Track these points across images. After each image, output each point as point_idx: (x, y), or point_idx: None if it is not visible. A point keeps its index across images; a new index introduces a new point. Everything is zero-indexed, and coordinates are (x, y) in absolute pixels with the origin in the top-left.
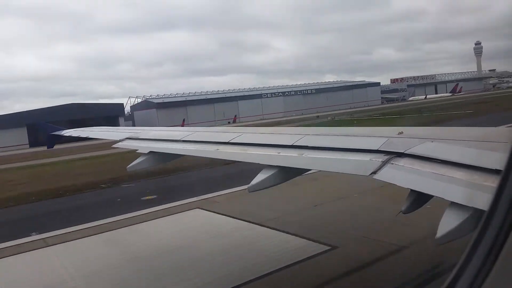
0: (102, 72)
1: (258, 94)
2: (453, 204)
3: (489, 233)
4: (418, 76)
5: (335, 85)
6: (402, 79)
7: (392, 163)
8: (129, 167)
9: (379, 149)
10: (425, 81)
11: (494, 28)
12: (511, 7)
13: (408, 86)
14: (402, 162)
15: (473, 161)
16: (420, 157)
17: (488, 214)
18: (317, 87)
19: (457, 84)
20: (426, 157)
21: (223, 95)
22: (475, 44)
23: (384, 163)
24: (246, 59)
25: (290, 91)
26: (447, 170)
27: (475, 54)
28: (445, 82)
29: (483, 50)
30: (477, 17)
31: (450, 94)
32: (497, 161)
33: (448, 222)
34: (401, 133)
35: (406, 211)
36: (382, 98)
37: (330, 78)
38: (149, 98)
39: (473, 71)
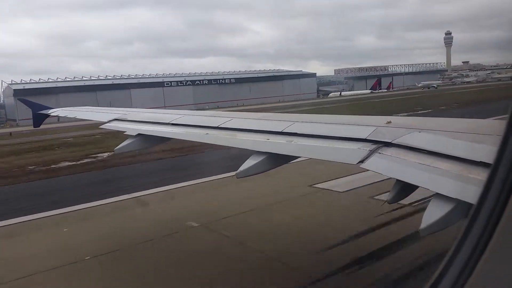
0: (69, 49)
1: (159, 82)
2: (438, 195)
3: (476, 227)
4: (370, 67)
5: (262, 75)
6: (348, 69)
7: (380, 153)
8: (117, 149)
9: (367, 138)
10: (377, 73)
11: (474, 19)
12: None
13: (346, 78)
14: (389, 151)
15: (460, 153)
16: (407, 147)
17: (475, 208)
18: (238, 76)
19: (378, 80)
20: (413, 147)
21: (111, 82)
22: (445, 34)
23: (371, 152)
24: (221, 41)
25: (203, 80)
26: (433, 161)
27: (445, 44)
28: (402, 74)
29: (453, 40)
30: (457, 7)
31: (369, 91)
32: (483, 153)
33: (432, 214)
34: (389, 122)
35: (391, 201)
36: (320, 90)
37: (315, 64)
38: (11, 84)
39: (441, 62)
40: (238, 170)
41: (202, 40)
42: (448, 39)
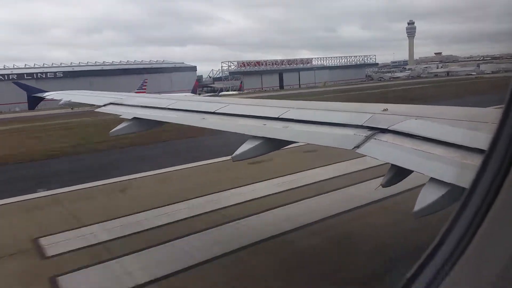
0: (36, 37)
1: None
2: (432, 180)
3: (469, 209)
4: (288, 60)
5: (119, 67)
6: (249, 63)
7: (375, 139)
8: (112, 132)
9: (363, 124)
10: (291, 67)
11: (459, 10)
12: None
13: (232, 73)
14: (385, 137)
15: (455, 139)
16: (402, 134)
17: (469, 191)
18: (81, 68)
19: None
20: (409, 133)
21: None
22: (408, 23)
23: (367, 138)
24: (193, 30)
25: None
26: (428, 147)
27: (407, 35)
28: (328, 68)
29: (415, 30)
30: None
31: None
32: (478, 140)
33: (426, 197)
34: (385, 109)
35: (386, 185)
36: (205, 87)
37: (305, 55)
38: None
39: (371, 55)
40: (234, 154)
41: (174, 29)
42: (411, 30)
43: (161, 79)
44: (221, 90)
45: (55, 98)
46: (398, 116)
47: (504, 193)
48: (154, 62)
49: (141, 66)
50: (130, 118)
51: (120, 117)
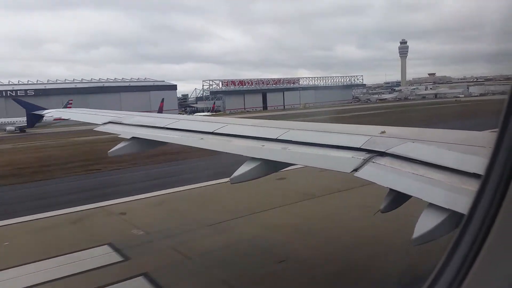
0: (32, 52)
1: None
2: (431, 206)
3: (468, 236)
4: (273, 79)
5: (91, 85)
6: (234, 81)
7: (373, 162)
8: (111, 152)
9: (361, 147)
10: (275, 87)
11: (454, 30)
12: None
13: (212, 93)
14: (383, 161)
15: (453, 164)
16: (400, 157)
17: (467, 217)
18: (53, 86)
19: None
20: (407, 157)
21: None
22: (400, 43)
23: (365, 161)
24: (192, 47)
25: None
26: (426, 171)
27: (399, 55)
28: (314, 89)
29: (408, 50)
30: (428, 17)
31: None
32: (476, 165)
33: (425, 223)
34: (383, 132)
35: (384, 210)
36: (187, 107)
37: (303, 73)
38: None
39: (359, 76)
40: (233, 176)
41: (171, 46)
42: (403, 49)
43: (138, 98)
44: (197, 111)
45: (54, 116)
46: (395, 139)
47: (502, 217)
48: (133, 80)
49: (117, 84)
50: (128, 137)
51: (119, 136)
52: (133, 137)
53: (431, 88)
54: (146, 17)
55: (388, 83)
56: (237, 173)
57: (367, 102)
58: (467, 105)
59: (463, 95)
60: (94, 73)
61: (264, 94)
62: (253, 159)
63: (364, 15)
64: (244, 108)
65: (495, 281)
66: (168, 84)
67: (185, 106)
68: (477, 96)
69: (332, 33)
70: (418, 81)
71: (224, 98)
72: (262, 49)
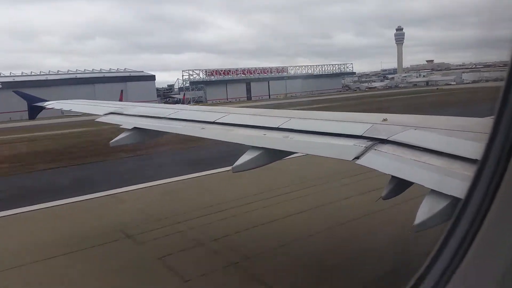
0: (28, 43)
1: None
2: (433, 192)
3: (463, 224)
4: (261, 68)
5: (62, 76)
6: (217, 71)
7: (375, 149)
8: (112, 142)
9: (363, 135)
10: (260, 76)
11: (452, 16)
12: None
13: (193, 83)
14: (385, 148)
15: (455, 150)
16: (402, 144)
17: (461, 206)
18: (21, 79)
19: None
20: (408, 144)
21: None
22: (396, 29)
23: (367, 149)
24: (189, 36)
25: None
26: (428, 158)
27: (396, 42)
28: (301, 77)
29: (404, 37)
30: (427, 4)
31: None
32: (477, 151)
33: (427, 210)
34: (385, 120)
35: (386, 197)
36: (168, 98)
37: (304, 62)
38: None
39: (348, 64)
40: (234, 165)
41: (167, 36)
42: (399, 36)
43: (113, 89)
44: (179, 101)
45: (55, 107)
46: (397, 127)
47: (499, 200)
48: (109, 71)
49: (91, 75)
50: (130, 128)
51: (121, 127)
52: (134, 128)
53: (424, 76)
54: (140, 8)
55: (385, 70)
56: (239, 162)
57: (355, 90)
58: (443, 95)
59: (455, 82)
60: (91, 63)
61: (248, 83)
62: (255, 148)
63: (361, 2)
64: (227, 98)
65: (488, 271)
66: (146, 74)
67: (168, 97)
68: (469, 83)
69: (329, 21)
70: (415, 68)
71: (205, 88)
72: (260, 38)
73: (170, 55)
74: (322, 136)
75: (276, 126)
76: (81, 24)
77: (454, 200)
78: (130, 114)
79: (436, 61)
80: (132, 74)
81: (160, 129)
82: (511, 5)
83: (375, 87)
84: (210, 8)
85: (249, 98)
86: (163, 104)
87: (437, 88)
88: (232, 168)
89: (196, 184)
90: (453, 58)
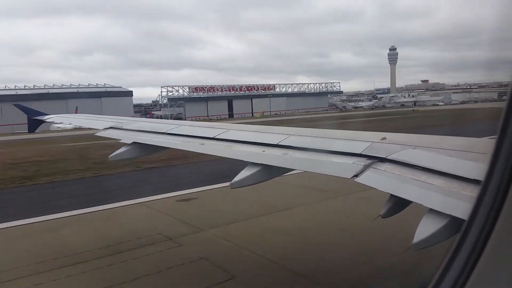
0: (24, 58)
1: None
2: (431, 211)
3: (469, 241)
4: (253, 85)
5: (35, 91)
6: (201, 87)
7: (374, 168)
8: (111, 156)
9: (362, 153)
10: (242, 93)
11: (450, 37)
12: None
13: (171, 100)
14: (384, 167)
15: (453, 170)
16: (401, 163)
17: (468, 222)
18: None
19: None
20: (407, 163)
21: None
22: (390, 49)
23: (366, 167)
24: (187, 53)
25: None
26: (427, 177)
27: (389, 61)
28: (286, 95)
29: (397, 57)
30: (421, 24)
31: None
32: (476, 171)
33: (425, 229)
34: (384, 138)
35: (385, 216)
36: (147, 115)
37: (302, 80)
38: None
39: (335, 82)
40: (233, 181)
41: (166, 52)
42: (393, 56)
43: (88, 105)
44: (159, 118)
45: (55, 121)
46: (396, 145)
47: (502, 222)
48: (82, 86)
49: (65, 90)
50: (129, 142)
51: (120, 141)
52: (134, 142)
53: (413, 96)
54: (137, 25)
55: (379, 89)
56: (238, 178)
57: (341, 110)
58: (411, 117)
59: (442, 103)
60: (91, 79)
61: (230, 101)
62: (254, 164)
63: (358, 23)
64: (207, 116)
65: (496, 283)
66: (123, 90)
67: (148, 113)
68: (456, 104)
69: (327, 40)
70: (410, 88)
71: (184, 105)
72: (258, 56)
73: (170, 71)
74: (321, 153)
75: (276, 143)
76: (79, 40)
77: (453, 219)
78: (130, 129)
79: (431, 81)
80: (108, 89)
81: (160, 144)
82: (507, 26)
83: (361, 107)
84: (207, 26)
85: (230, 116)
86: (163, 120)
87: (413, 110)
88: (230, 184)
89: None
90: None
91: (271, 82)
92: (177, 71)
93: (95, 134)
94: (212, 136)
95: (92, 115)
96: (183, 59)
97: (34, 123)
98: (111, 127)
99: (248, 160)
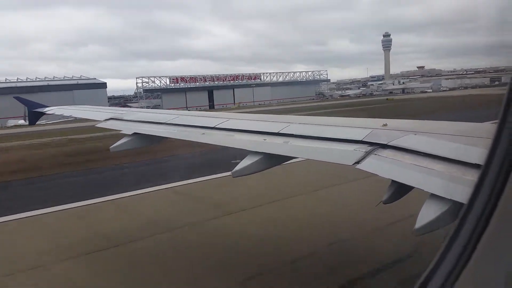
0: (20, 50)
1: None
2: (433, 196)
3: (466, 228)
4: (238, 75)
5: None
6: (184, 77)
7: (375, 154)
8: (112, 147)
9: (363, 140)
10: (224, 84)
11: (448, 23)
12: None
13: (146, 91)
14: (385, 153)
15: (454, 155)
16: (402, 149)
17: (466, 209)
18: None
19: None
20: (408, 149)
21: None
22: (383, 36)
23: (367, 154)
24: (182, 43)
25: None
26: (428, 163)
27: (383, 48)
28: (270, 85)
29: (391, 43)
30: (418, 11)
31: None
32: (477, 155)
33: (427, 214)
34: (385, 125)
35: (387, 201)
36: (124, 106)
37: (300, 68)
38: None
39: (323, 71)
40: (234, 170)
41: (160, 43)
42: (386, 42)
43: (59, 98)
44: None
45: (56, 113)
46: (397, 132)
47: (500, 209)
48: (53, 79)
49: (33, 84)
50: (130, 133)
51: (121, 132)
52: (134, 133)
53: (402, 83)
54: (129, 15)
55: (373, 77)
56: (239, 166)
57: (327, 98)
58: (382, 108)
59: (431, 90)
60: (88, 70)
61: (210, 91)
62: (255, 153)
63: (355, 10)
64: (186, 107)
65: (492, 274)
66: (97, 82)
67: (125, 105)
68: (445, 90)
69: (324, 28)
70: (406, 75)
71: (162, 96)
72: (254, 44)
73: (165, 61)
74: (322, 141)
75: (276, 131)
76: (73, 31)
77: (454, 204)
78: (130, 120)
79: (428, 67)
80: (80, 82)
81: (160, 134)
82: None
83: (348, 95)
84: (201, 16)
85: (211, 107)
86: (164, 110)
87: (387, 99)
88: (232, 172)
89: None
90: (448, 64)
91: (270, 71)
92: (173, 61)
93: (96, 126)
94: (213, 126)
95: (92, 106)
96: (178, 49)
97: (34, 115)
98: (111, 118)
99: (250, 149)
